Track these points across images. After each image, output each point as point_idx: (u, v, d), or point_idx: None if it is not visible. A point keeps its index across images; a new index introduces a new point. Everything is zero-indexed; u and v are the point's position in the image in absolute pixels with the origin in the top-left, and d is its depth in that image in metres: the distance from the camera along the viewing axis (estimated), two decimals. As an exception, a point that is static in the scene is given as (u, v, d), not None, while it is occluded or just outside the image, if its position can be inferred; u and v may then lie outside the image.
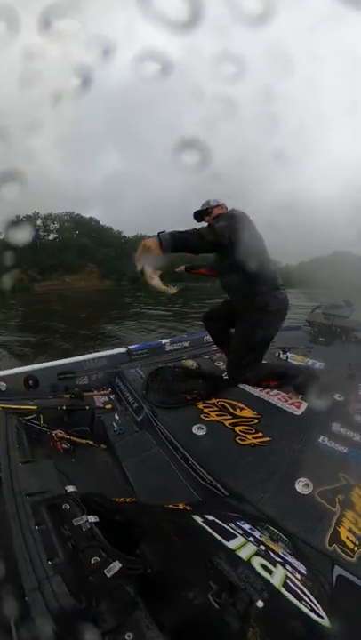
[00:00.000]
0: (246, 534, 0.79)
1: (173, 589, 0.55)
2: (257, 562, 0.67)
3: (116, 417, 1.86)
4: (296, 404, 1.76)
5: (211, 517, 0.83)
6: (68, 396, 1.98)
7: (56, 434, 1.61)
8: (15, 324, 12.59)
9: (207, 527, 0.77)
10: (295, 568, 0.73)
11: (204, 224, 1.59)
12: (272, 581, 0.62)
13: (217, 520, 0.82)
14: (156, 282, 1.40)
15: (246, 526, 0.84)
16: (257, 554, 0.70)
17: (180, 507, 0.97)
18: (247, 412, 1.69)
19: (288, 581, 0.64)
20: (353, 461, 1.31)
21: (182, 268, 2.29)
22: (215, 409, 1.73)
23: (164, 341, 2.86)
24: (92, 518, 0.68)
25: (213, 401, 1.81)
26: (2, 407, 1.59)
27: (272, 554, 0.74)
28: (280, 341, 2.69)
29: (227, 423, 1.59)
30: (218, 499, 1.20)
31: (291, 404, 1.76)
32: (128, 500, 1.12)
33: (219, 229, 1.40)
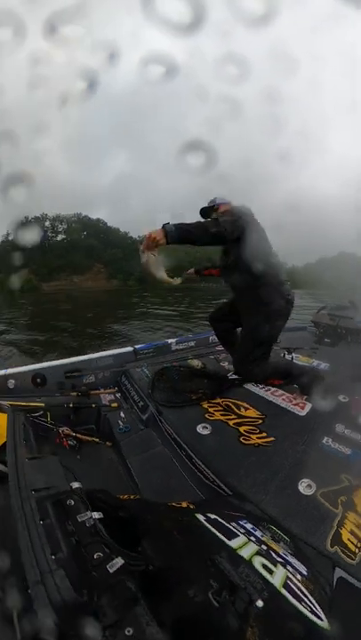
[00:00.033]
0: (248, 534, 0.78)
1: (174, 586, 0.55)
2: (258, 561, 0.66)
3: (122, 415, 1.87)
4: (300, 404, 1.75)
5: (213, 516, 0.83)
6: (74, 393, 2.00)
7: (62, 431, 1.62)
8: (24, 323, 12.75)
9: (210, 526, 0.77)
10: (296, 569, 0.72)
11: None
12: (272, 581, 0.61)
13: (219, 519, 0.82)
14: (160, 273, 1.40)
15: (248, 526, 0.83)
16: (258, 553, 0.70)
17: (184, 505, 0.97)
18: (252, 412, 1.68)
19: (288, 582, 0.64)
20: (356, 463, 1.30)
21: (192, 270, 2.27)
22: (220, 408, 1.72)
23: (169, 341, 2.86)
24: (96, 514, 0.68)
25: (218, 400, 1.80)
26: (10, 404, 1.61)
27: (273, 554, 0.73)
28: (285, 342, 2.67)
29: (231, 423, 1.59)
30: (221, 498, 1.20)
31: (295, 405, 1.74)
32: (132, 497, 1.12)
33: (222, 223, 1.40)
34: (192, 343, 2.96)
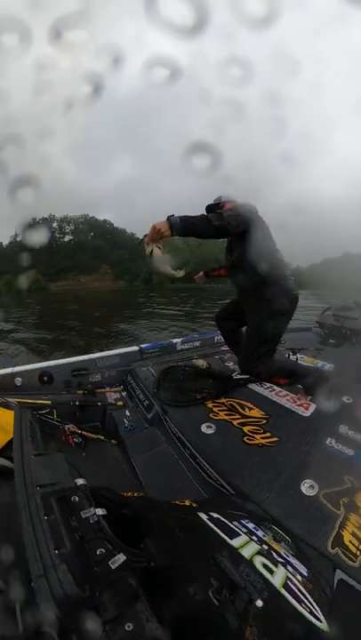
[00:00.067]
0: (250, 533, 0.78)
1: (175, 584, 0.55)
2: (259, 561, 0.66)
3: (127, 413, 1.87)
4: (305, 405, 1.73)
5: (216, 515, 0.82)
6: (80, 392, 2.02)
7: (68, 428, 1.63)
8: (32, 322, 12.88)
9: (212, 524, 0.77)
10: (296, 569, 0.71)
11: None
12: (273, 581, 0.61)
13: (222, 518, 0.81)
14: (164, 265, 1.40)
15: (250, 525, 0.83)
16: (259, 553, 0.69)
17: (187, 503, 0.97)
18: (256, 412, 1.67)
19: (289, 582, 0.63)
20: (359, 464, 1.28)
21: (201, 274, 2.28)
22: (224, 408, 1.72)
23: (175, 341, 2.86)
24: (100, 511, 0.69)
25: (223, 400, 1.80)
26: (17, 401, 1.63)
27: (274, 554, 0.73)
28: (290, 342, 2.65)
29: (235, 423, 1.58)
30: (224, 497, 1.19)
31: (299, 406, 1.73)
32: (136, 494, 1.13)
33: (226, 217, 1.40)
34: (197, 343, 2.96)
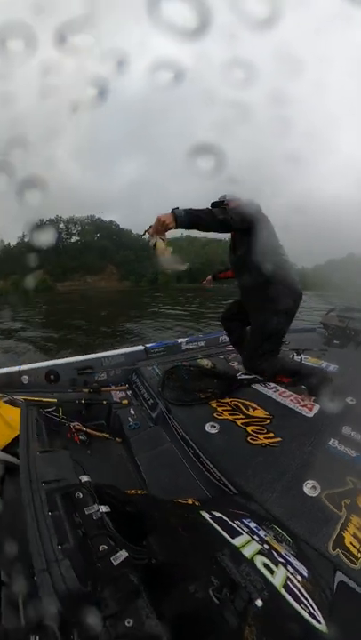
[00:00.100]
0: (251, 532, 0.78)
1: (176, 581, 0.55)
2: (260, 560, 0.66)
3: (132, 412, 1.88)
4: (308, 405, 1.72)
5: (218, 514, 0.82)
6: (86, 390, 2.03)
7: (74, 426, 1.64)
8: (39, 321, 13.01)
9: (214, 523, 0.77)
10: (297, 570, 0.71)
11: None
12: (273, 581, 0.61)
13: (224, 517, 0.81)
14: (167, 257, 1.40)
15: (252, 525, 0.83)
16: (260, 553, 0.69)
17: (190, 502, 0.97)
18: (260, 413, 1.66)
19: (289, 583, 0.63)
20: None
21: (210, 278, 2.29)
22: (228, 408, 1.71)
23: (180, 341, 2.86)
24: (104, 508, 0.69)
25: (227, 400, 1.79)
26: (24, 399, 1.65)
27: (275, 554, 0.72)
28: (294, 343, 2.63)
29: (239, 422, 1.58)
30: (226, 496, 1.19)
31: (303, 406, 1.72)
32: (139, 492, 1.13)
33: (230, 211, 1.41)
34: (202, 343, 2.95)
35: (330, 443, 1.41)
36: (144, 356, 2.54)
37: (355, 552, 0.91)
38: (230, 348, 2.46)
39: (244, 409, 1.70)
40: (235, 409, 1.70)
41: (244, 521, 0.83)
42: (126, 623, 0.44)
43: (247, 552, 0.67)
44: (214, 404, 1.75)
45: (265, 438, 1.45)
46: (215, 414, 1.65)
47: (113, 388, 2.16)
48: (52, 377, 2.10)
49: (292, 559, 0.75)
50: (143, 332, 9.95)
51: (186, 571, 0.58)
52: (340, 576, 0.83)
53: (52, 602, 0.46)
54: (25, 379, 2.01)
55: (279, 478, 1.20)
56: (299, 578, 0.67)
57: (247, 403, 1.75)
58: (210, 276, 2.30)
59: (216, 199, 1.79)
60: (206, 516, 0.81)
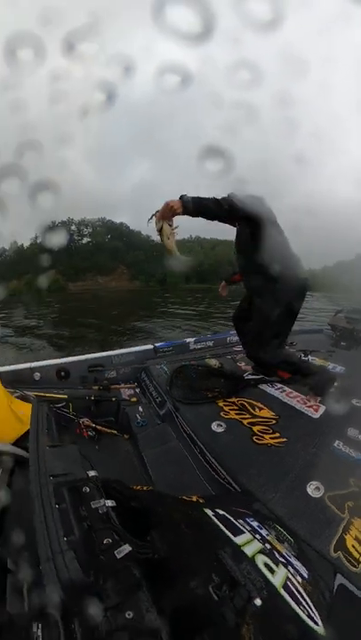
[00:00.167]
0: (254, 531, 0.77)
1: (177, 577, 0.55)
2: (260, 560, 0.65)
3: (140, 409, 1.89)
4: (314, 407, 1.69)
5: (221, 512, 0.82)
6: (96, 387, 2.05)
7: (83, 422, 1.66)
8: (52, 320, 13.22)
9: (217, 521, 0.77)
10: (297, 571, 0.70)
11: None
12: (273, 581, 0.60)
13: (227, 515, 0.81)
14: (171, 242, 1.40)
15: (255, 524, 0.82)
16: (261, 552, 0.68)
17: (194, 499, 0.97)
18: (266, 413, 1.65)
19: (288, 583, 0.62)
20: None
21: (224, 284, 2.27)
22: (235, 407, 1.70)
23: (188, 340, 2.86)
24: (110, 502, 0.69)
25: (234, 400, 1.78)
26: (35, 395, 1.68)
27: (276, 553, 0.71)
28: (302, 344, 2.60)
29: (245, 422, 1.57)
30: (230, 494, 1.18)
31: (309, 407, 1.69)
32: (145, 488, 1.13)
33: (236, 201, 1.41)
34: (210, 343, 2.94)
35: (335, 444, 1.38)
36: (153, 355, 2.55)
37: (356, 555, 0.89)
38: (238, 348, 2.44)
39: (250, 409, 1.69)
40: (241, 408, 1.69)
41: (247, 520, 0.83)
42: (126, 615, 0.44)
43: (249, 551, 0.67)
44: (221, 404, 1.74)
45: (270, 438, 1.43)
46: (222, 413, 1.64)
47: (122, 385, 2.18)
48: (62, 374, 2.13)
49: (292, 559, 0.74)
50: (153, 330, 10.00)
51: (187, 567, 0.58)
52: (340, 579, 0.81)
53: (56, 591, 0.47)
54: (37, 375, 2.04)
55: (283, 478, 1.18)
56: (299, 579, 0.66)
57: (254, 403, 1.74)
58: (223, 282, 2.26)
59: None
60: (210, 513, 0.81)
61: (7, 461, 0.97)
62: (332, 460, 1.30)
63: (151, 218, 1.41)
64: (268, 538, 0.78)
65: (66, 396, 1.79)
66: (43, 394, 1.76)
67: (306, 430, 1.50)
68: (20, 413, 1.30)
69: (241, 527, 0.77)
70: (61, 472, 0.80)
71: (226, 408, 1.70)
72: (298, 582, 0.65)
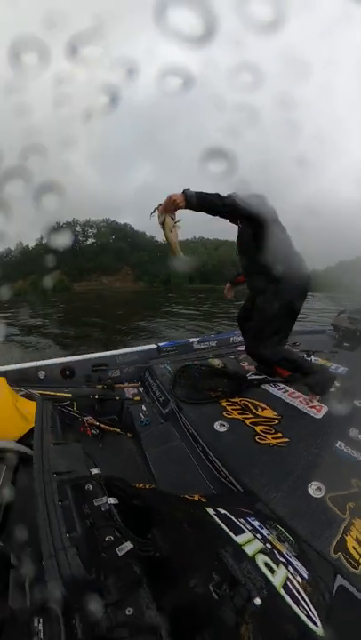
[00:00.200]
0: (255, 531, 0.77)
1: (178, 575, 0.55)
2: (261, 559, 0.65)
3: (144, 408, 1.89)
4: (317, 407, 1.68)
5: (223, 511, 0.82)
6: (100, 386, 2.06)
7: (87, 420, 1.67)
8: (57, 319, 13.29)
9: (218, 520, 0.76)
10: (297, 571, 0.69)
11: None
12: (273, 581, 0.60)
13: (228, 514, 0.81)
14: (173, 235, 1.40)
15: (256, 523, 0.81)
16: (262, 551, 0.68)
17: (196, 498, 0.97)
18: (268, 413, 1.64)
19: (288, 583, 0.61)
20: None
21: (229, 285, 2.27)
22: (238, 407, 1.70)
23: (192, 340, 2.86)
24: (112, 500, 0.70)
25: (236, 399, 1.77)
26: (40, 393, 1.69)
27: (277, 553, 0.71)
28: (304, 344, 2.59)
29: (248, 422, 1.56)
30: (232, 494, 1.18)
31: (312, 407, 1.68)
32: (148, 486, 1.14)
33: (238, 200, 1.42)
34: (213, 343, 2.94)
35: (337, 445, 1.37)
36: (157, 355, 2.55)
37: (356, 557, 0.88)
38: (241, 348, 2.43)
39: (253, 409, 1.68)
40: (244, 408, 1.69)
41: (249, 519, 0.82)
42: (127, 612, 0.44)
43: (249, 550, 0.67)
44: (224, 403, 1.74)
45: (273, 438, 1.42)
46: (225, 413, 1.64)
47: (126, 384, 2.19)
48: (67, 372, 2.14)
49: (293, 560, 0.73)
50: (156, 330, 10.01)
51: (188, 565, 0.58)
52: (340, 580, 0.80)
53: (58, 586, 0.47)
54: (42, 374, 2.06)
55: (285, 478, 1.18)
56: (299, 579, 0.66)
57: (256, 403, 1.73)
58: (228, 284, 2.26)
59: None
60: (211, 512, 0.80)
61: (12, 459, 0.98)
62: (334, 460, 1.29)
63: (154, 211, 1.41)
64: (268, 537, 0.78)
65: (70, 395, 1.81)
66: (47, 392, 1.77)
67: (308, 431, 1.49)
68: (24, 411, 1.31)
69: (242, 526, 0.76)
70: (65, 470, 0.80)
71: (229, 408, 1.69)
72: (298, 582, 0.64)
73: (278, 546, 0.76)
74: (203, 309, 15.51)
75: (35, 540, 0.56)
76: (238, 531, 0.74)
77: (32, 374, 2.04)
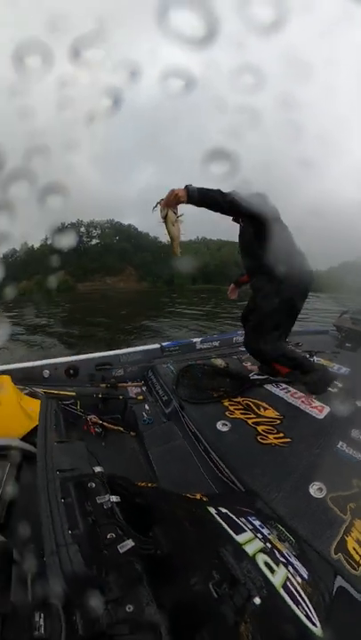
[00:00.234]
0: (255, 530, 0.76)
1: (178, 573, 0.55)
2: (261, 559, 0.65)
3: (147, 407, 1.90)
4: (319, 407, 1.67)
5: (224, 510, 0.82)
6: (104, 385, 2.07)
7: (90, 419, 1.68)
8: (62, 319, 13.35)
9: (219, 519, 0.76)
10: (297, 571, 0.69)
11: None
12: (272, 580, 0.59)
13: (230, 513, 0.80)
14: (175, 229, 1.41)
15: (257, 522, 0.81)
16: (262, 551, 0.68)
17: (198, 497, 0.97)
18: (270, 413, 1.63)
19: (288, 583, 0.61)
20: None
21: (233, 286, 2.27)
22: (240, 407, 1.69)
23: (195, 340, 2.86)
24: (114, 498, 0.70)
25: (239, 399, 1.77)
26: (44, 392, 1.70)
27: (277, 553, 0.71)
28: (307, 345, 2.57)
29: (250, 422, 1.56)
30: (233, 493, 1.18)
31: (314, 408, 1.67)
32: (150, 485, 1.14)
33: (239, 198, 1.42)
34: (216, 343, 2.93)
35: (338, 445, 1.36)
36: (160, 354, 2.55)
37: (357, 558, 0.87)
38: (243, 348, 2.43)
39: (255, 408, 1.67)
40: (246, 408, 1.68)
41: (249, 518, 0.82)
42: (127, 609, 0.44)
43: (250, 549, 0.67)
44: (226, 403, 1.73)
45: (275, 438, 1.42)
46: (227, 413, 1.64)
47: (129, 383, 2.20)
48: (71, 371, 2.15)
49: (293, 560, 0.73)
50: (160, 330, 10.02)
51: (189, 563, 0.58)
52: (339, 581, 0.80)
53: (59, 582, 0.48)
54: (46, 373, 2.07)
55: (286, 478, 1.17)
56: (298, 579, 0.66)
57: (259, 402, 1.72)
58: (232, 285, 2.25)
59: None
60: (213, 511, 0.80)
61: (16, 456, 0.98)
62: (335, 461, 1.28)
63: (156, 205, 1.41)
64: (269, 537, 0.77)
65: (74, 394, 1.82)
66: (51, 391, 1.78)
67: (310, 431, 1.48)
68: (28, 410, 1.32)
69: (243, 526, 0.76)
70: (68, 467, 0.81)
71: (231, 407, 1.69)
72: (297, 583, 0.64)
73: (279, 545, 0.76)
74: (206, 309, 15.50)
75: (37, 536, 0.57)
76: (239, 530, 0.73)
77: (36, 373, 2.05)
